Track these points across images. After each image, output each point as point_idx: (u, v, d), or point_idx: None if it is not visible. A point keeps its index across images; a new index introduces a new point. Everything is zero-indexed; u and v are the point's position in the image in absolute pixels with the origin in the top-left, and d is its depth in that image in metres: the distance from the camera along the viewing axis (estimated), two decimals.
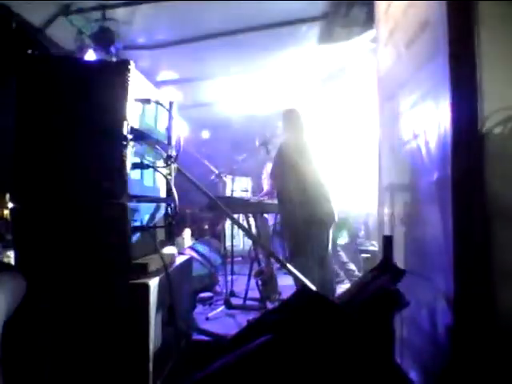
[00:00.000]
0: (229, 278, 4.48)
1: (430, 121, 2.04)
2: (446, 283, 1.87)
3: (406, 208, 2.51)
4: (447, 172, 1.80)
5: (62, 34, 4.14)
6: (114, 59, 3.95)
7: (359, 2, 4.31)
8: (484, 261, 1.75)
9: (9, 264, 1.90)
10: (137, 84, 1.91)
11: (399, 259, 2.18)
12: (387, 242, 2.03)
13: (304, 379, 1.21)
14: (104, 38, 3.79)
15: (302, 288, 2.29)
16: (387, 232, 2.78)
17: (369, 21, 4.27)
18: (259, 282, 4.00)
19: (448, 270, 1.84)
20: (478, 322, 1.75)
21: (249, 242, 6.03)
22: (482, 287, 1.75)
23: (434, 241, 2.01)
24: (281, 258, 3.51)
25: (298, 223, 3.79)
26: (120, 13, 3.91)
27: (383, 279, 1.85)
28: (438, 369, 2.00)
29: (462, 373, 1.77)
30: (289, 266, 3.26)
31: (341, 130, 6.04)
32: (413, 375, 2.24)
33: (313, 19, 4.55)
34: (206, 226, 8.46)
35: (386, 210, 2.98)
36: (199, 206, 7.72)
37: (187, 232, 7.33)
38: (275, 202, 4.21)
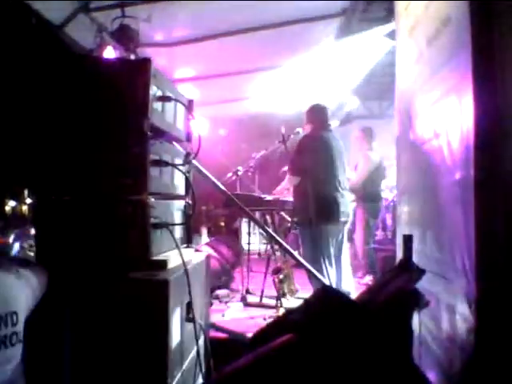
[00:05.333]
0: (245, 275, 4.49)
1: (452, 119, 2.01)
2: (467, 284, 1.85)
3: (426, 207, 2.49)
4: (470, 172, 1.77)
5: (82, 31, 4.17)
6: (133, 56, 3.98)
7: None
8: (507, 262, 1.73)
9: (30, 260, 1.93)
10: (157, 81, 1.91)
11: (418, 259, 2.16)
12: (407, 241, 2.02)
13: (325, 378, 1.21)
14: (124, 36, 3.81)
15: (323, 287, 2.28)
16: (406, 231, 2.76)
17: (388, 17, 4.24)
18: (276, 280, 3.99)
19: (470, 271, 1.82)
20: (501, 324, 1.73)
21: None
22: (504, 288, 1.73)
23: (456, 241, 1.99)
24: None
25: (314, 220, 3.78)
26: (139, 10, 3.93)
27: (403, 279, 1.83)
28: (459, 371, 1.97)
29: (484, 376, 1.75)
30: (305, 263, 3.27)
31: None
32: (432, 376, 2.22)
33: (331, 16, 4.53)
34: (223, 223, 8.49)
35: (405, 209, 2.96)
36: (215, 203, 7.81)
37: (204, 229, 7.37)
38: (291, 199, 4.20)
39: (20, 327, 1.51)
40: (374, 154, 5.53)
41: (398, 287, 1.75)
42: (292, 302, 3.91)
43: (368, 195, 5.42)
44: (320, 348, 1.24)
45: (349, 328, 1.32)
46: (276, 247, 4.28)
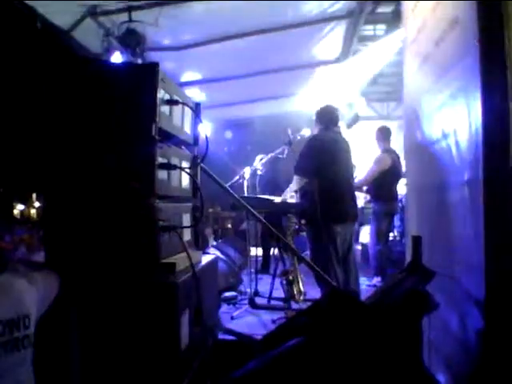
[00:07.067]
0: (253, 277, 4.48)
1: (460, 120, 2.00)
2: (476, 285, 1.84)
3: (435, 207, 2.48)
4: (479, 172, 1.77)
5: (89, 36, 4.20)
6: (140, 61, 4.00)
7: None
8: None
9: (42, 263, 1.94)
10: (165, 85, 1.92)
11: (428, 260, 2.15)
12: (416, 242, 2.01)
13: (336, 380, 1.21)
14: (131, 40, 3.83)
15: (333, 290, 2.28)
16: (415, 231, 2.75)
17: (395, 19, 4.24)
18: (284, 282, 3.99)
19: (478, 272, 1.81)
20: (510, 324, 1.72)
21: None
22: None
23: (464, 241, 1.98)
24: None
25: (321, 220, 3.77)
26: (146, 14, 3.95)
27: (412, 281, 1.83)
28: (468, 373, 1.96)
29: (493, 377, 1.74)
30: (313, 264, 3.25)
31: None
32: (441, 378, 2.21)
33: (338, 18, 4.53)
34: (229, 225, 8.49)
35: (414, 209, 2.95)
36: (222, 205, 7.81)
37: (210, 231, 7.37)
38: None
39: (31, 330, 1.53)
40: (391, 154, 5.46)
41: (407, 289, 1.74)
42: (300, 304, 3.90)
43: (381, 195, 5.40)
44: (330, 350, 1.24)
45: (359, 330, 1.32)
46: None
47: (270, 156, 4.71)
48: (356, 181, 5.29)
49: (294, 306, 3.86)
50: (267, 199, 4.23)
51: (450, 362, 2.19)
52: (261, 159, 4.81)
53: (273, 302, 4.20)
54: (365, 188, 5.58)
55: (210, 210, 7.90)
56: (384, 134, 5.57)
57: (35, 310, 1.57)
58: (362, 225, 6.93)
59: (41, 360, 1.71)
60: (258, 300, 4.25)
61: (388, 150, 5.48)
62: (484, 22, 1.79)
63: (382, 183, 5.33)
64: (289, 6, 4.05)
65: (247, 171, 4.77)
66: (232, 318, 3.83)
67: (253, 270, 4.55)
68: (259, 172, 4.88)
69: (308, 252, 4.18)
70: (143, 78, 1.86)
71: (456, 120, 2.07)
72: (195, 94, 5.82)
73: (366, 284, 5.26)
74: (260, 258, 5.64)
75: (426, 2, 2.54)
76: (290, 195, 4.29)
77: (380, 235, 5.42)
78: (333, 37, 4.91)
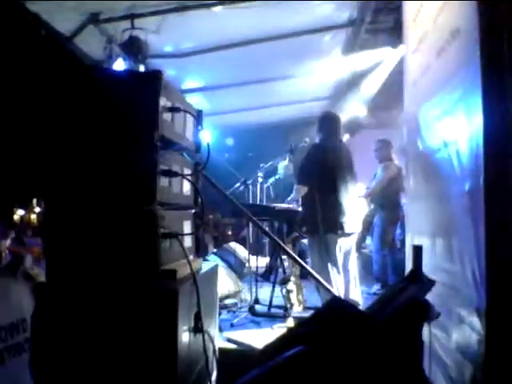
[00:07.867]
0: (253, 284, 4.48)
1: (461, 129, 2.01)
2: (477, 294, 1.84)
3: (436, 217, 2.48)
4: (480, 182, 1.77)
5: (91, 43, 4.22)
6: (142, 68, 4.01)
7: (386, 9, 4.31)
8: None
9: (32, 276, 1.94)
10: (167, 93, 1.93)
11: (428, 269, 2.15)
12: (416, 251, 2.00)
13: None
14: (133, 47, 3.85)
15: (333, 299, 2.27)
16: (415, 240, 2.75)
17: (396, 28, 4.25)
18: (284, 290, 3.98)
19: (480, 282, 1.81)
20: (511, 334, 1.71)
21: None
22: None
23: (465, 251, 1.98)
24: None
25: (322, 229, 3.77)
26: (148, 22, 3.97)
27: (412, 290, 1.82)
28: (469, 383, 1.96)
29: None
30: (313, 272, 3.25)
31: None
32: None
33: (339, 27, 4.56)
34: (230, 232, 8.50)
35: (415, 218, 2.95)
36: (222, 212, 7.81)
37: (209, 238, 7.38)
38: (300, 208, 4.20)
39: (29, 333, 1.54)
40: (394, 163, 5.51)
41: (407, 298, 1.74)
42: (300, 313, 3.89)
43: (387, 203, 5.42)
44: (331, 360, 1.23)
45: (360, 340, 1.32)
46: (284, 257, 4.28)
47: (269, 164, 4.73)
48: (365, 191, 5.34)
49: (294, 314, 3.85)
50: (268, 206, 4.24)
51: (451, 372, 2.18)
52: (261, 167, 4.83)
53: (273, 310, 4.19)
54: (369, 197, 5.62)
55: (211, 217, 7.91)
56: (388, 145, 5.60)
57: (30, 315, 1.58)
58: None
59: (38, 365, 1.71)
60: (258, 308, 4.25)
61: (391, 159, 5.53)
62: (485, 30, 1.80)
63: (388, 191, 5.36)
64: (288, 13, 4.07)
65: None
66: (232, 325, 3.82)
67: (253, 278, 4.55)
68: (260, 180, 4.90)
69: (309, 259, 4.18)
70: (146, 86, 1.86)
71: (457, 129, 2.07)
72: (197, 101, 5.84)
73: (366, 292, 5.26)
74: (260, 266, 5.64)
75: (428, 12, 2.56)
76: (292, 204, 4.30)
77: (385, 242, 5.44)
78: (333, 45, 4.94)
